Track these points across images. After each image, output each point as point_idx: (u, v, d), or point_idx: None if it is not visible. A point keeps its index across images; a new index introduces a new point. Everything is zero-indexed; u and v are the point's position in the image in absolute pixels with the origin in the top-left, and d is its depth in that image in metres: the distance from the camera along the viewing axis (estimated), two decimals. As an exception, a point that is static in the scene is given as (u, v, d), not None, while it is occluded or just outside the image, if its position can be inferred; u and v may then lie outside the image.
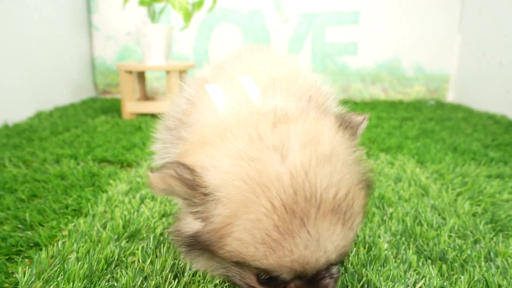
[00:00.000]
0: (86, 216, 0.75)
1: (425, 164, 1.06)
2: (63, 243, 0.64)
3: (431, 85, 2.32)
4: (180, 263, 0.58)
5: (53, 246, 0.63)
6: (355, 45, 2.30)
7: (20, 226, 0.70)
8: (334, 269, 0.45)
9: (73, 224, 0.70)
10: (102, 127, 1.48)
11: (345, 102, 2.13)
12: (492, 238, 0.67)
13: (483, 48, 2.02)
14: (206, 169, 0.41)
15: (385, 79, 2.34)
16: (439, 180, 0.94)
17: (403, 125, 1.56)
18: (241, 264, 0.42)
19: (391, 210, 0.76)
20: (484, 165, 1.05)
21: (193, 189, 0.41)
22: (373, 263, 0.59)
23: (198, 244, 0.43)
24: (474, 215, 0.76)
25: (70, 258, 0.59)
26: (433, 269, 0.57)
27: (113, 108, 1.89)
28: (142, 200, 0.81)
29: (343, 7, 2.25)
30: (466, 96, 2.16)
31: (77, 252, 0.60)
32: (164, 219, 0.73)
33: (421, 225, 0.71)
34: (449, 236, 0.67)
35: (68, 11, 2.04)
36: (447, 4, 2.22)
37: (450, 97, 2.32)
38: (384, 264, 0.59)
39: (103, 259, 0.58)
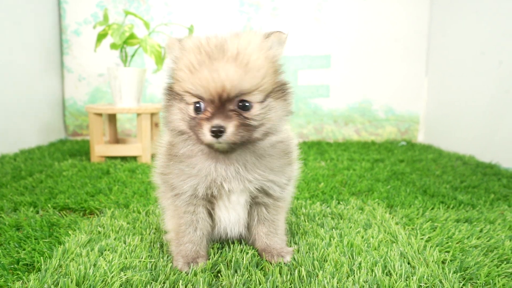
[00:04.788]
0: (38, 271, 0.70)
1: (395, 208, 1.06)
2: (8, 304, 0.59)
3: (401, 126, 2.37)
4: (134, 325, 0.54)
5: (-4, 308, 0.58)
6: (327, 87, 2.35)
7: (-38, 285, 0.65)
8: (247, 113, 0.63)
9: (21, 281, 0.65)
10: (68, 171, 1.43)
11: (318, 143, 2.14)
12: (461, 288, 0.65)
13: (449, 91, 2.09)
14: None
15: (357, 120, 2.38)
16: (408, 225, 0.93)
17: (374, 167, 1.56)
18: (181, 97, 0.65)
19: (359, 259, 0.74)
20: (453, 209, 1.05)
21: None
22: (340, 319, 0.56)
23: (172, 95, 0.67)
24: (443, 262, 0.75)
25: (13, 322, 0.54)
26: (401, 325, 0.55)
27: (82, 150, 1.84)
28: (101, 253, 0.77)
29: (314, 51, 2.32)
30: (435, 137, 2.21)
31: (22, 315, 0.55)
32: (122, 273, 0.68)
33: (390, 275, 0.69)
34: (419, 287, 0.65)
35: (40, 52, 2.02)
36: (414, 50, 2.31)
37: (421, 138, 2.37)
38: (352, 321, 0.56)
39: (49, 323, 0.53)
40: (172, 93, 0.68)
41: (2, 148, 1.68)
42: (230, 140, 0.61)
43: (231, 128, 0.61)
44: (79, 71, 2.25)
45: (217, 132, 0.60)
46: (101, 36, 1.65)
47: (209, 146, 0.65)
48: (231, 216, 0.76)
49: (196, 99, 0.63)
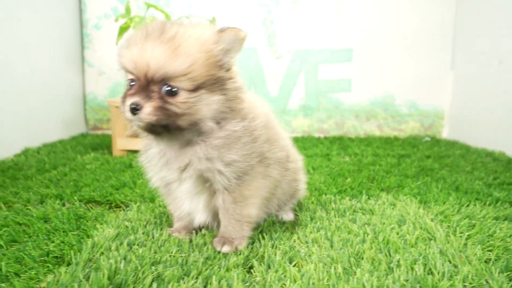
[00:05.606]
0: (68, 264, 0.69)
1: (428, 204, 1.02)
2: (41, 297, 0.58)
3: (425, 122, 2.32)
4: (170, 321, 0.52)
5: (29, 301, 0.57)
6: (349, 81, 2.30)
7: (-6, 277, 0.64)
8: (171, 99, 0.62)
9: (53, 275, 0.64)
10: (91, 164, 1.43)
11: (339, 139, 2.09)
12: (510, 289, 0.62)
13: (476, 85, 2.02)
14: None
15: (379, 115, 2.33)
16: (444, 222, 0.89)
17: (401, 162, 1.52)
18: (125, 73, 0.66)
19: (398, 257, 0.71)
20: (490, 206, 1.01)
21: None
22: (384, 319, 0.53)
23: None
24: (487, 262, 0.71)
25: (46, 316, 0.53)
26: (451, 327, 0.52)
27: (104, 144, 1.84)
28: (130, 247, 0.75)
29: (336, 44, 2.27)
30: (461, 132, 2.15)
31: (55, 309, 0.54)
32: (153, 268, 0.67)
33: (432, 274, 0.65)
34: (464, 287, 0.62)
35: (61, 47, 2.02)
36: (439, 43, 2.25)
37: (445, 134, 2.31)
38: (397, 321, 0.53)
39: (83, 318, 0.51)
40: None
41: (26, 142, 1.68)
42: (145, 120, 0.61)
43: (148, 108, 0.61)
44: (99, 66, 2.25)
45: (133, 110, 0.61)
46: (123, 29, 1.64)
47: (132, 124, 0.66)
48: (184, 205, 0.77)
49: (130, 76, 0.64)
